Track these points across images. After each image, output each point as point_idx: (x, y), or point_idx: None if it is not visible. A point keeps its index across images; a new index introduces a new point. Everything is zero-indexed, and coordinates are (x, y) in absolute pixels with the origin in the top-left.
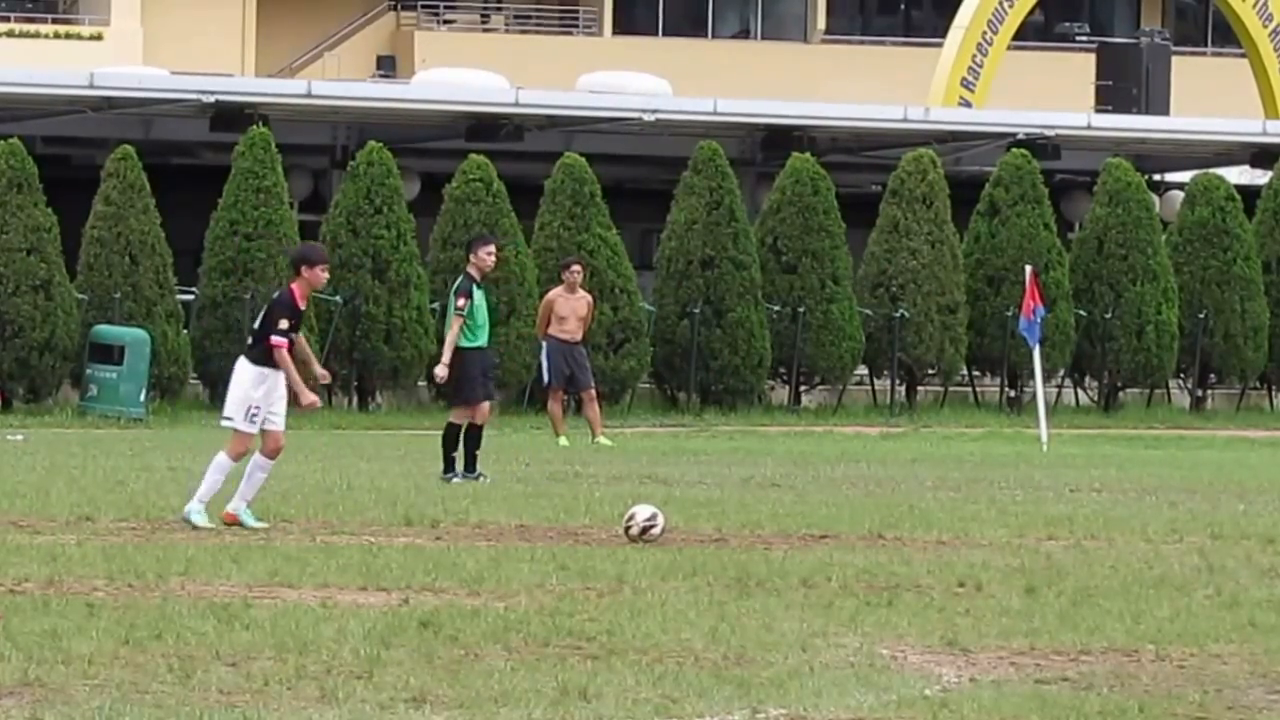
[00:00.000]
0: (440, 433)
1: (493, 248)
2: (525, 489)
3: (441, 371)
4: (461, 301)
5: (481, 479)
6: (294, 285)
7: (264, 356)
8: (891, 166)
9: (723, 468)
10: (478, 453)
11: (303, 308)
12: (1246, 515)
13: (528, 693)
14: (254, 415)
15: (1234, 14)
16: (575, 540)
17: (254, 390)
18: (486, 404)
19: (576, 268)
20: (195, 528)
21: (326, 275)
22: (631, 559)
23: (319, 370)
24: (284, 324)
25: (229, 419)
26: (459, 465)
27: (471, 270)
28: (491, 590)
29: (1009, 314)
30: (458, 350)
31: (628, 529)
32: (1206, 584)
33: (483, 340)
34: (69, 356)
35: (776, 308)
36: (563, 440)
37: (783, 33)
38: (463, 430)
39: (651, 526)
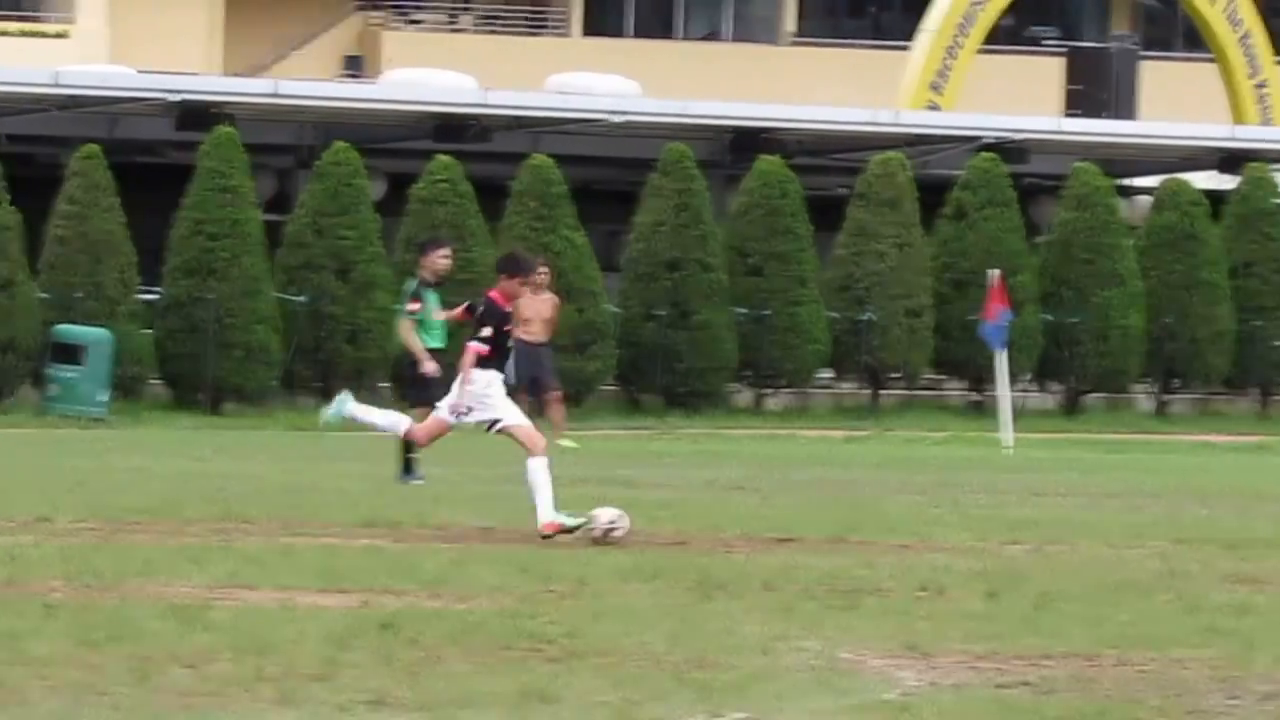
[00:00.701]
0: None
1: (446, 250)
2: (486, 491)
3: (431, 367)
4: (416, 306)
5: (414, 481)
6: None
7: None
8: (859, 169)
9: (686, 470)
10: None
11: (507, 310)
12: (1209, 520)
13: (487, 695)
14: (461, 414)
15: (1203, 19)
16: (536, 543)
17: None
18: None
19: (543, 269)
20: (572, 530)
21: (523, 290)
22: (593, 561)
23: None
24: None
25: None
26: (414, 468)
27: (423, 273)
28: (452, 592)
29: (975, 318)
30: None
31: (590, 531)
32: (1168, 589)
33: (438, 343)
34: (30, 356)
35: (742, 310)
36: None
37: (752, 34)
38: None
39: (614, 529)
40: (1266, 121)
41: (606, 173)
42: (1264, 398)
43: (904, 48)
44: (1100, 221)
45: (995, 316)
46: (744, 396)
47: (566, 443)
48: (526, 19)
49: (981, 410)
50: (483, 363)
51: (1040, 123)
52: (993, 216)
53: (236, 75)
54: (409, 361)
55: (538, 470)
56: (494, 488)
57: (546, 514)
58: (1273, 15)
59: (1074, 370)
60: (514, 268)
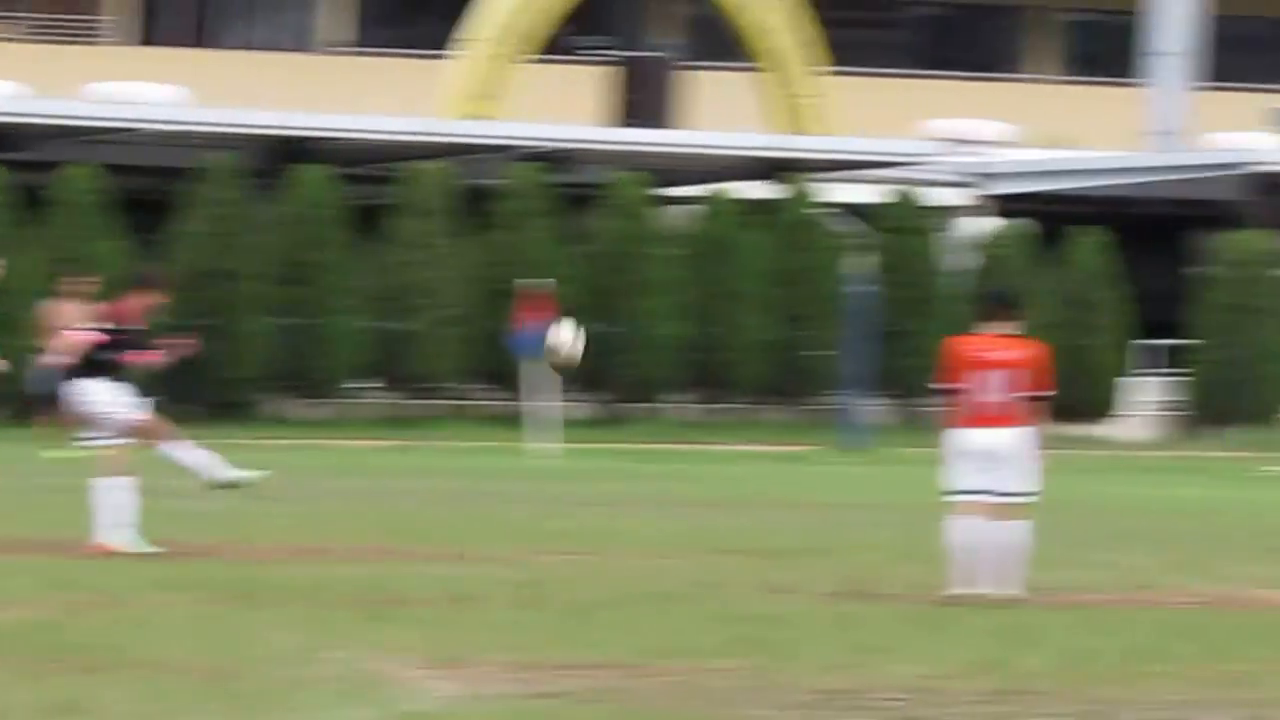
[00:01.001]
0: None
1: None
2: (16, 502)
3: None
4: None
5: None
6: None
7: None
8: (403, 179)
9: None
10: None
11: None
12: (745, 529)
13: (18, 707)
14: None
15: (741, 30)
16: (67, 553)
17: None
18: None
19: (81, 280)
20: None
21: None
22: (126, 572)
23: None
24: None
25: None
26: None
27: None
28: None
29: (514, 328)
30: None
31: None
32: (704, 598)
33: None
34: None
35: (283, 320)
36: (54, 453)
37: (298, 44)
38: None
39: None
40: (808, 132)
41: (149, 181)
42: (803, 407)
43: (451, 56)
44: (641, 231)
45: (532, 326)
46: (282, 406)
47: (55, 453)
48: (74, 27)
49: (521, 420)
50: (106, 373)
51: (583, 132)
52: (535, 226)
53: None
54: None
55: (112, 489)
56: (26, 497)
57: (109, 535)
58: (831, 25)
59: (614, 380)
60: (146, 283)
